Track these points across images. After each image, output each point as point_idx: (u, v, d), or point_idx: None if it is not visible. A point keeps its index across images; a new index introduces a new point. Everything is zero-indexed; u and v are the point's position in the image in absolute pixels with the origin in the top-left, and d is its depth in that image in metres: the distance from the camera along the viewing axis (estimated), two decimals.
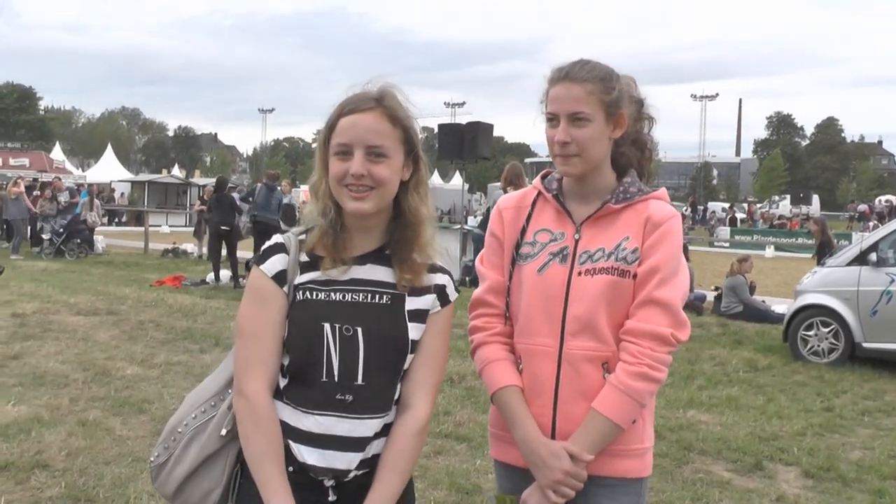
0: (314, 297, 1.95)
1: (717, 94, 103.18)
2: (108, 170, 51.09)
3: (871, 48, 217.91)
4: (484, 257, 2.33)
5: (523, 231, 2.24)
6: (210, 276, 15.24)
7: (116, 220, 39.94)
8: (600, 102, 2.10)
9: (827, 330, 9.62)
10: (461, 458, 5.48)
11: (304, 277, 1.97)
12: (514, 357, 2.21)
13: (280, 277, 1.96)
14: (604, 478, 2.12)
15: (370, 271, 1.99)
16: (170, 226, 34.78)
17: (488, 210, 16.69)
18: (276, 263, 1.96)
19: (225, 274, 15.20)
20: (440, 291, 2.05)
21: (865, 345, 9.39)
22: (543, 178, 2.31)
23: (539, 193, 2.28)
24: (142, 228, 25.74)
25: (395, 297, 1.99)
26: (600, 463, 2.10)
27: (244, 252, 15.74)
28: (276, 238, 2.02)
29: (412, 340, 1.98)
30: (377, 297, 1.98)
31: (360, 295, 1.96)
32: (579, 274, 2.12)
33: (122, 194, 46.52)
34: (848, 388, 8.38)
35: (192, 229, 24.58)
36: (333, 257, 1.96)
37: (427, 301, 2.02)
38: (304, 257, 1.98)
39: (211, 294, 13.66)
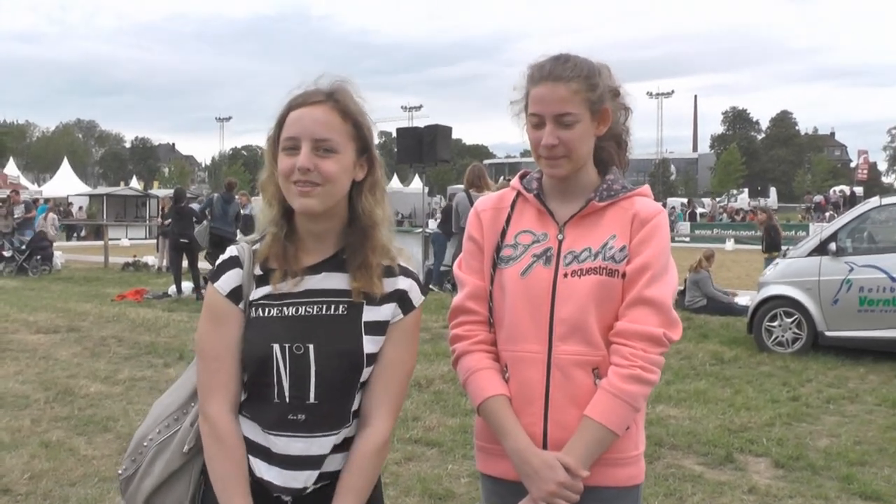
0: (266, 313, 1.89)
1: (673, 91, 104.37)
2: (65, 184, 50.40)
3: (822, 42, 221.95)
4: (462, 262, 2.22)
5: (503, 233, 2.14)
6: (172, 289, 15.06)
7: (75, 234, 39.37)
8: (586, 101, 2.03)
9: (790, 320, 9.73)
10: (432, 463, 5.45)
11: (258, 293, 1.91)
12: (499, 365, 2.11)
13: (235, 294, 1.91)
14: (600, 488, 2.03)
15: (325, 280, 1.92)
16: (129, 239, 34.36)
17: (446, 209, 16.61)
18: (229, 280, 1.91)
19: (187, 286, 15.02)
20: (401, 297, 1.97)
21: (828, 333, 9.52)
22: (522, 177, 2.24)
23: (518, 194, 2.20)
24: (101, 242, 25.36)
25: (352, 307, 1.91)
26: (594, 472, 2.01)
27: (206, 263, 15.56)
28: (231, 251, 1.96)
29: (368, 354, 1.91)
30: (332, 307, 1.91)
31: (315, 307, 1.90)
32: (565, 275, 2.04)
33: (81, 208, 45.85)
34: (812, 376, 8.49)
35: (152, 241, 24.28)
36: (284, 269, 1.90)
37: (387, 312, 1.95)
38: (258, 270, 1.93)
39: (173, 307, 13.48)
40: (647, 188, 2.17)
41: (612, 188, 2.12)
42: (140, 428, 2.05)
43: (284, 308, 1.89)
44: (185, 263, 15.32)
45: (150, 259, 21.95)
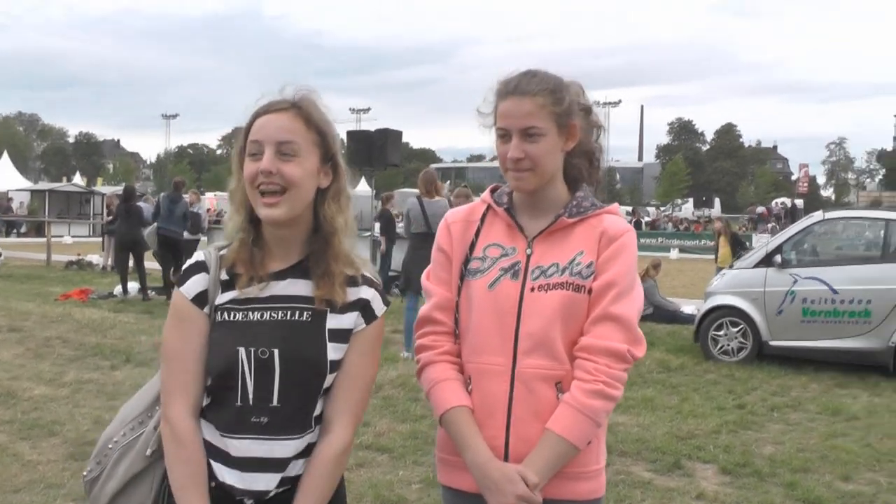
0: (231, 318, 1.91)
1: (620, 101, 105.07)
2: (5, 178, 48.92)
3: (767, 57, 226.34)
4: (431, 273, 2.23)
5: (472, 246, 2.16)
6: (118, 289, 14.79)
7: (15, 231, 38.44)
8: (552, 115, 2.05)
9: (736, 329, 9.94)
10: (383, 469, 5.45)
11: (224, 297, 1.93)
12: (463, 377, 2.12)
13: (201, 298, 1.92)
14: (561, 502, 2.06)
15: (289, 286, 1.94)
16: (72, 236, 33.64)
17: (382, 215, 16.72)
18: (195, 284, 1.93)
19: (133, 286, 14.77)
20: (364, 307, 1.98)
21: (772, 343, 9.75)
22: (493, 191, 2.25)
23: (489, 207, 2.21)
24: (43, 239, 24.80)
25: (316, 314, 1.93)
26: (556, 486, 2.02)
27: (151, 262, 15.32)
28: (197, 256, 1.98)
29: (332, 361, 1.93)
30: (297, 313, 1.93)
31: (279, 313, 1.92)
32: (532, 290, 2.05)
33: (21, 203, 44.74)
34: (757, 385, 8.68)
35: (96, 240, 23.80)
36: (251, 274, 1.92)
37: (349, 320, 1.96)
38: (224, 275, 1.94)
39: (119, 307, 13.23)
40: (616, 206, 2.20)
41: (582, 205, 2.14)
42: (107, 429, 2.07)
43: (250, 313, 1.91)
44: (131, 263, 15.06)
45: (95, 258, 21.50)
